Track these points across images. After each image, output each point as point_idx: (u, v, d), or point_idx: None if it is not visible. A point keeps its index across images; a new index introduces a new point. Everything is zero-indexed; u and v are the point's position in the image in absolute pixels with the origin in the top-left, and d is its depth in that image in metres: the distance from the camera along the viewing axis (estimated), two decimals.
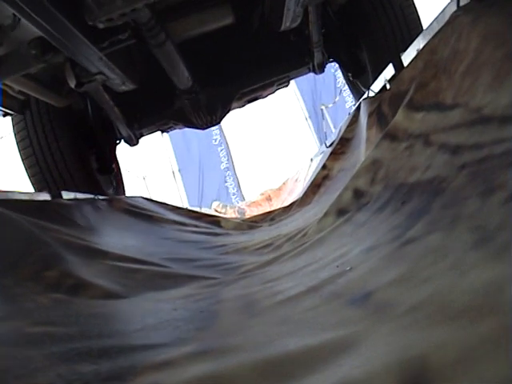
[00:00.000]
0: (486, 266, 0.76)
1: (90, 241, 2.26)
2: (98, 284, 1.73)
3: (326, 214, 2.09)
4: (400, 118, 1.87)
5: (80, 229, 2.57)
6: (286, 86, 4.78)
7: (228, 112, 4.38)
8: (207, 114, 4.23)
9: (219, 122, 4.50)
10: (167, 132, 5.09)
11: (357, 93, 4.34)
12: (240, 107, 5.00)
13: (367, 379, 0.60)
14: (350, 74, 4.21)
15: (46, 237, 2.01)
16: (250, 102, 4.83)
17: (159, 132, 4.95)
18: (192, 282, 1.84)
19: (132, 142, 4.42)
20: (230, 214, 9.30)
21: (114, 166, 4.49)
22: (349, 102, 11.22)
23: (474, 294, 0.70)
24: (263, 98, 4.88)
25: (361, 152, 2.88)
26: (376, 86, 3.09)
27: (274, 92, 4.82)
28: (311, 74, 4.58)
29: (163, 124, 4.50)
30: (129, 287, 1.79)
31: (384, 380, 0.58)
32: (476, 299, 0.67)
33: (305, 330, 0.93)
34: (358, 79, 4.12)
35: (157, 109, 4.20)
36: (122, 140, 4.47)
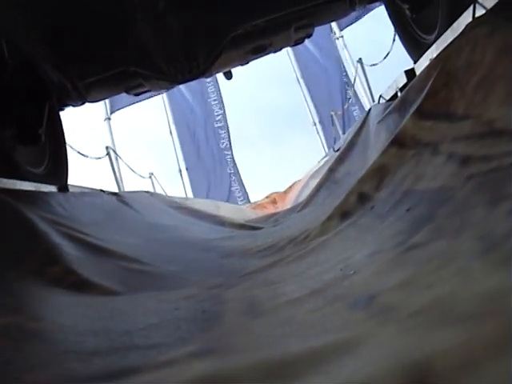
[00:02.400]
0: (491, 273, 0.76)
1: (94, 237, 2.28)
2: (100, 283, 1.74)
3: (329, 217, 2.09)
4: (408, 125, 1.88)
5: (84, 224, 2.58)
6: (309, 35, 3.24)
7: (216, 59, 2.77)
8: (183, 58, 2.72)
9: (202, 74, 2.92)
10: (138, 95, 3.38)
11: (406, 38, 2.93)
12: (242, 63, 3.41)
13: (370, 381, 0.61)
14: (406, 7, 2.61)
15: (51, 231, 2.03)
16: (255, 54, 3.19)
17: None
18: (194, 284, 1.84)
19: (71, 97, 3.00)
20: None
21: (41, 131, 3.01)
22: (357, 109, 11.27)
23: (477, 300, 0.70)
24: (275, 50, 3.28)
25: (368, 157, 2.88)
26: (387, 94, 3.12)
27: (290, 43, 3.26)
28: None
29: (123, 76, 2.93)
30: (131, 287, 1.80)
31: (387, 382, 0.59)
32: (479, 305, 0.68)
33: (308, 331, 0.93)
34: (418, 14, 2.61)
35: (105, 44, 2.68)
36: (61, 97, 3.06)
